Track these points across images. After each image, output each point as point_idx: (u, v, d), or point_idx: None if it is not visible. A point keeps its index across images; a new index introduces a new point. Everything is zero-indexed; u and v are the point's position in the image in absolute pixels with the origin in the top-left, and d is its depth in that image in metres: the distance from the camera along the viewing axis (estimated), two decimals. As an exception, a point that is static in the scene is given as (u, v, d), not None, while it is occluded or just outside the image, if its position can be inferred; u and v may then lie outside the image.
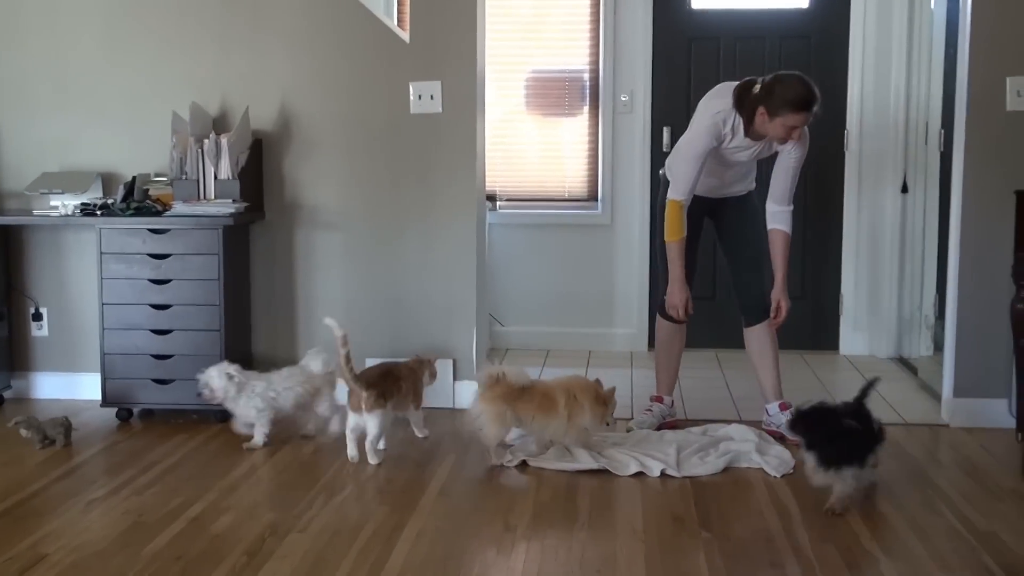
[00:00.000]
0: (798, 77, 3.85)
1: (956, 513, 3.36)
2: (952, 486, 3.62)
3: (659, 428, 4.27)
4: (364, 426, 3.82)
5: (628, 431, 4.22)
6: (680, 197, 4.01)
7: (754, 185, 4.29)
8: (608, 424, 3.90)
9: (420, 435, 4.13)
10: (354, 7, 4.59)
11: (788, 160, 4.02)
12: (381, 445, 3.92)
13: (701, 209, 4.18)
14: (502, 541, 3.13)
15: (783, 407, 4.18)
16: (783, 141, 3.93)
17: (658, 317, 4.35)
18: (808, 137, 3.98)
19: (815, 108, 3.82)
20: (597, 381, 3.91)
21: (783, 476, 3.71)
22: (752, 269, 4.25)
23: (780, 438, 4.09)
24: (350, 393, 3.84)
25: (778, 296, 4.14)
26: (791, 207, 4.09)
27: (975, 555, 3.02)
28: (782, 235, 4.10)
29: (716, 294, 5.86)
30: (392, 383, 3.91)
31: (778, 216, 4.09)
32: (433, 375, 4.18)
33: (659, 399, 4.39)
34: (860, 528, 3.22)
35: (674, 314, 4.17)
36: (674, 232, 4.05)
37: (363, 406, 3.78)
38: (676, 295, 4.12)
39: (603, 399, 3.85)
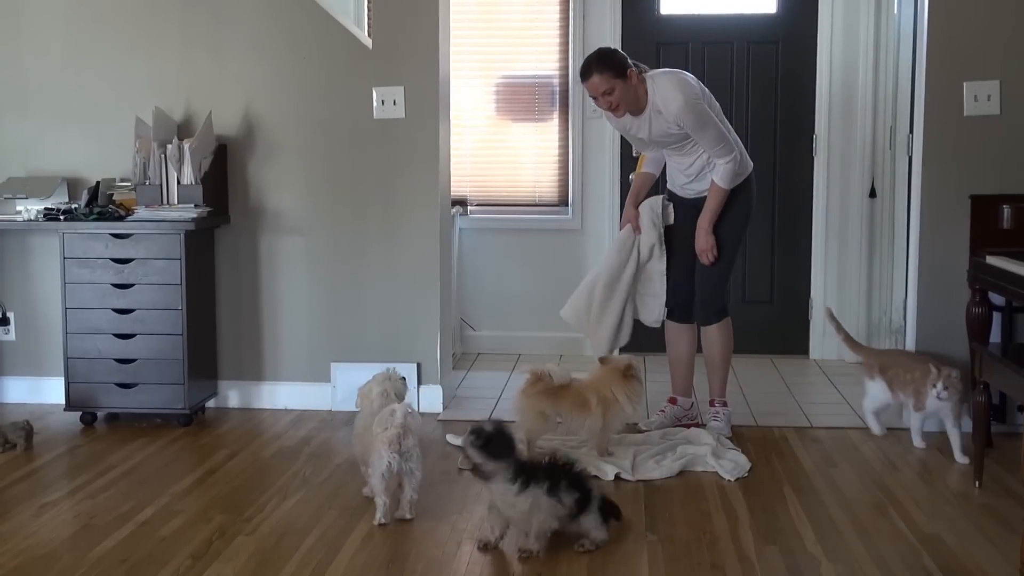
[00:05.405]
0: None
1: (903, 515, 3.37)
2: (903, 489, 3.64)
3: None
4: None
5: (641, 431, 4.30)
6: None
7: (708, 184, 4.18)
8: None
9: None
10: (317, 12, 4.61)
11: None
12: None
13: (680, 209, 4.35)
14: (447, 545, 3.14)
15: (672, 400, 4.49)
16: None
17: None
18: (673, 101, 3.94)
19: (587, 77, 3.99)
20: (623, 365, 3.98)
21: (736, 480, 3.73)
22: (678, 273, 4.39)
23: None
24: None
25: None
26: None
27: (916, 557, 3.04)
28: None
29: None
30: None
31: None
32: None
33: (673, 400, 4.51)
34: (805, 530, 3.24)
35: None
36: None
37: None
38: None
39: (627, 376, 3.92)
